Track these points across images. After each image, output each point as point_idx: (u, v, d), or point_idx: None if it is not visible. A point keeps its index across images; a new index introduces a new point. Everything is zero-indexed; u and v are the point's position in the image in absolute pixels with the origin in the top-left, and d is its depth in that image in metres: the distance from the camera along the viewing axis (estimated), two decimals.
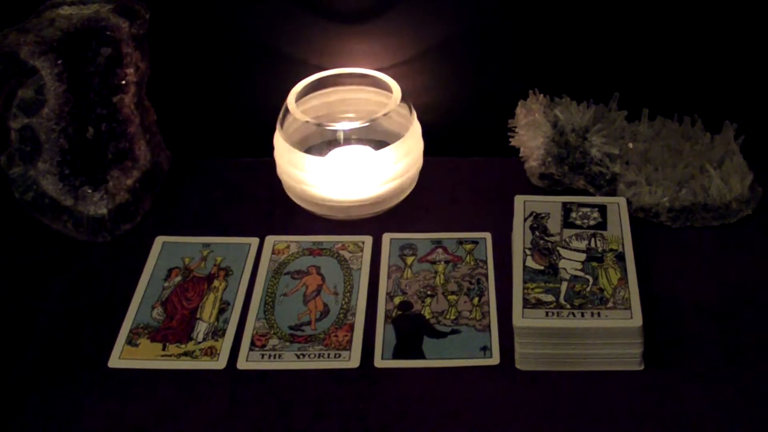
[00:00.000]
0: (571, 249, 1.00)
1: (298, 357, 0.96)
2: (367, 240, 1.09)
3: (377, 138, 1.13)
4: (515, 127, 1.16)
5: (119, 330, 0.99)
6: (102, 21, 1.09)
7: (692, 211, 1.08)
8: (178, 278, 1.05)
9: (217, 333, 0.99)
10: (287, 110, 1.11)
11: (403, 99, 1.12)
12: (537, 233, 1.02)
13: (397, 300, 1.02)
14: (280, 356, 0.96)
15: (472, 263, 1.06)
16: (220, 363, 0.96)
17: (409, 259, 1.06)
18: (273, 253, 1.08)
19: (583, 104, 1.13)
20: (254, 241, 1.09)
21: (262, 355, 0.96)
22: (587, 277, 0.97)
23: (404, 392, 0.92)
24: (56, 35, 1.07)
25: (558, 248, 1.00)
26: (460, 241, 1.08)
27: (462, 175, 1.18)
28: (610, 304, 0.94)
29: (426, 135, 1.15)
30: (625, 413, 0.89)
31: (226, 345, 0.97)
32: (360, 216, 1.11)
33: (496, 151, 1.19)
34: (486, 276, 1.04)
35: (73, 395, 0.93)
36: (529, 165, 1.14)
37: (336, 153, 1.12)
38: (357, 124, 1.11)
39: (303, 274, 1.05)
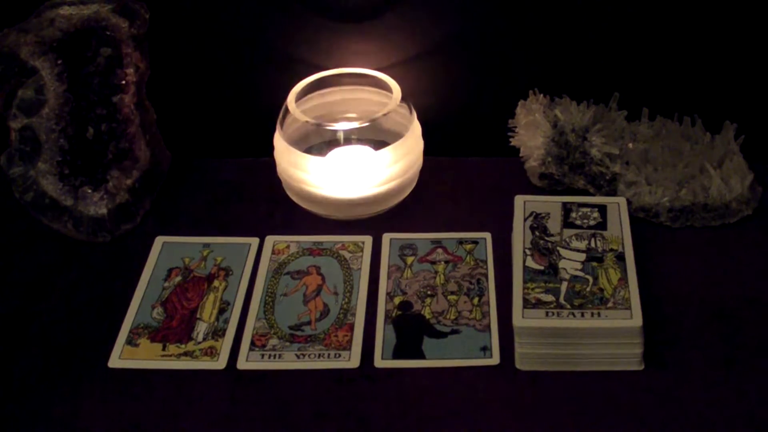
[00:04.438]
0: (571, 249, 1.00)
1: (298, 357, 0.96)
2: (367, 240, 1.09)
3: (377, 138, 1.13)
4: (515, 127, 1.16)
5: (119, 330, 0.99)
6: (102, 21, 1.09)
7: (692, 211, 1.08)
8: (178, 278, 1.05)
9: (217, 333, 0.99)
10: (287, 110, 1.11)
11: (403, 99, 1.12)
12: (537, 233, 1.02)
13: (397, 300, 1.02)
14: (280, 356, 0.96)
15: (472, 263, 1.06)
16: (220, 363, 0.96)
17: (409, 259, 1.06)
18: (273, 253, 1.08)
19: (583, 104, 1.13)
20: (254, 241, 1.09)
21: (262, 355, 0.96)
22: (587, 277, 0.97)
23: (404, 392, 0.92)
24: (56, 35, 1.07)
25: (558, 248, 1.00)
26: (460, 241, 1.08)
27: (462, 175, 1.18)
28: (610, 304, 0.94)
29: (426, 135, 1.15)
30: (625, 413, 0.89)
31: (226, 345, 0.97)
32: (360, 216, 1.11)
33: (496, 151, 1.19)
34: (486, 276, 1.04)
35: (73, 395, 0.93)
36: (529, 165, 1.14)
37: (336, 153, 1.12)
38: (357, 124, 1.10)
39: (303, 274, 1.05)
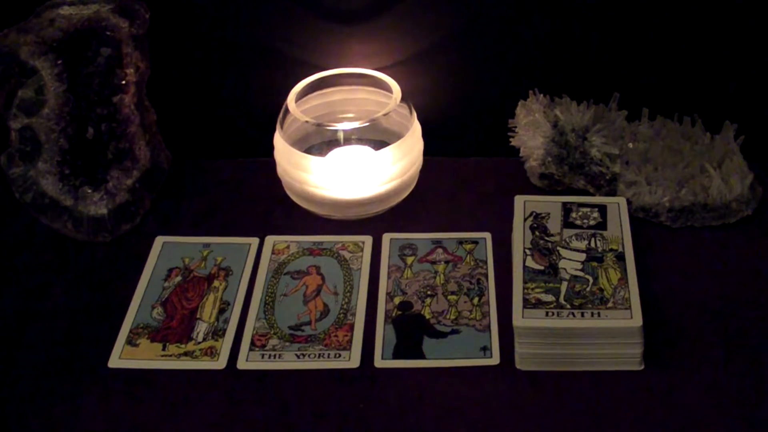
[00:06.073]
0: (571, 249, 1.00)
1: (298, 357, 0.96)
2: (367, 240, 1.09)
3: (377, 138, 1.13)
4: (515, 127, 1.16)
5: (119, 330, 0.99)
6: (102, 21, 1.09)
7: (692, 211, 1.08)
8: (178, 278, 1.05)
9: (217, 333, 0.99)
10: (287, 110, 1.11)
11: (403, 99, 1.12)
12: (537, 233, 1.02)
13: (397, 300, 1.02)
14: (280, 356, 0.96)
15: (472, 263, 1.06)
16: (220, 363, 0.96)
17: (409, 259, 1.06)
18: (273, 253, 1.08)
19: (583, 104, 1.13)
20: (254, 241, 1.09)
21: (262, 355, 0.96)
22: (587, 277, 0.97)
23: (404, 392, 0.92)
24: (56, 35, 1.07)
25: (558, 248, 1.00)
26: (460, 241, 1.08)
27: (462, 175, 1.18)
28: (610, 304, 0.94)
29: (426, 135, 1.15)
30: (625, 413, 0.89)
31: (226, 345, 0.97)
32: (360, 216, 1.11)
33: (496, 151, 1.19)
34: (486, 276, 1.04)
35: (73, 395, 0.93)
36: (529, 165, 1.14)
37: (336, 153, 1.12)
38: (357, 124, 1.11)
39: (303, 274, 1.05)
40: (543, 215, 1.05)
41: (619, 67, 1.19)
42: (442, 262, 1.06)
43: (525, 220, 1.04)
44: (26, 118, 1.08)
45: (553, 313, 0.93)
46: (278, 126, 1.11)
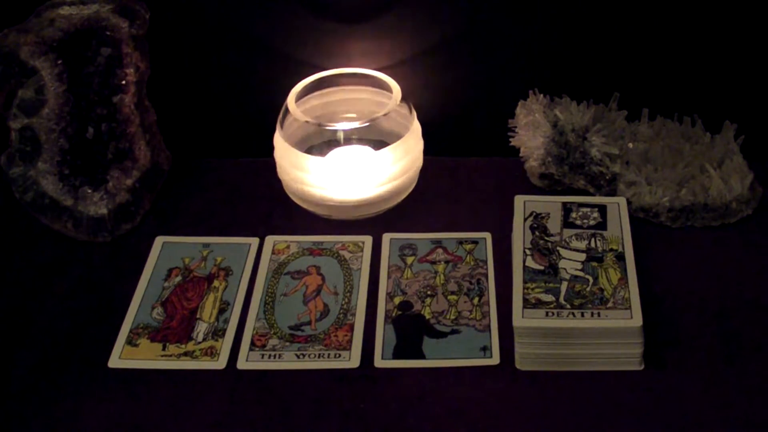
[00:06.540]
0: (571, 249, 1.00)
1: (298, 357, 0.96)
2: (367, 240, 1.09)
3: (377, 138, 1.13)
4: (515, 127, 1.16)
5: (119, 330, 0.99)
6: (102, 21, 1.09)
7: (692, 211, 1.08)
8: (178, 278, 1.05)
9: (217, 333, 0.99)
10: (287, 110, 1.11)
11: (403, 99, 1.12)
12: (537, 233, 1.02)
13: (397, 300, 1.02)
14: (280, 356, 0.96)
15: (472, 263, 1.06)
16: (220, 363, 0.96)
17: (409, 259, 1.06)
18: (273, 253, 1.08)
19: (583, 104, 1.13)
20: (254, 241, 1.09)
21: (262, 355, 0.96)
22: (587, 277, 0.97)
23: (404, 392, 0.92)
24: (56, 35, 1.07)
25: (558, 248, 1.00)
26: (460, 241, 1.08)
27: (462, 175, 1.18)
28: (610, 304, 0.94)
29: (426, 135, 1.15)
30: (625, 413, 0.89)
31: (226, 345, 0.97)
32: (360, 216, 1.11)
33: (496, 151, 1.19)
34: (486, 276, 1.04)
35: (73, 395, 0.93)
36: (529, 165, 1.14)
37: (336, 153, 1.12)
38: (357, 124, 1.11)
39: (303, 274, 1.05)
40: (543, 215, 1.05)
41: (619, 67, 1.19)
42: (442, 262, 1.06)
43: (525, 220, 1.04)
44: (26, 118, 1.08)
45: (553, 313, 0.93)
46: (278, 126, 1.11)
